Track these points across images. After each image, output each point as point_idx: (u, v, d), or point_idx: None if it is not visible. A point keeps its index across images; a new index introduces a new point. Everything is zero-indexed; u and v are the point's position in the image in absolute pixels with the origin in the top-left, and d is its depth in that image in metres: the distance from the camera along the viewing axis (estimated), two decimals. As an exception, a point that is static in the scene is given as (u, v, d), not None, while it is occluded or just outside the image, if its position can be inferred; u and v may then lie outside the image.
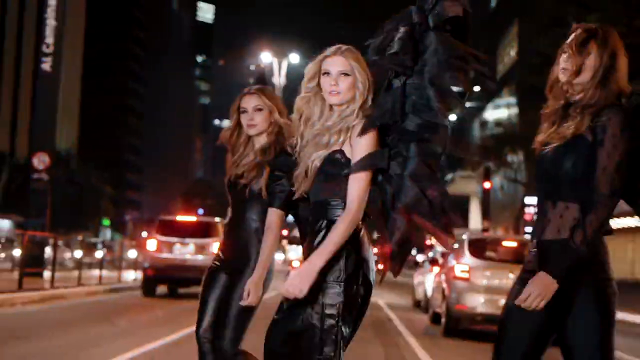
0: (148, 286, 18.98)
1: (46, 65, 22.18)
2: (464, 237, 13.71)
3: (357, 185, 3.32)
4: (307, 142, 3.50)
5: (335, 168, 3.38)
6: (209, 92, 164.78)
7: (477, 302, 12.25)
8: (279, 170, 4.05)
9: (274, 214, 4.05)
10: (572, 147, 3.21)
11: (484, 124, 60.46)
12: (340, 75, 3.41)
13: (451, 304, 12.63)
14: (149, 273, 18.75)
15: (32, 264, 19.06)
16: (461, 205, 65.54)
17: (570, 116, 3.26)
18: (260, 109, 4.36)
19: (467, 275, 12.44)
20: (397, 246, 3.39)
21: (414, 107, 3.35)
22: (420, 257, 25.06)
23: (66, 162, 62.81)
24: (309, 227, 3.48)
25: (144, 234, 56.97)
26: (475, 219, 58.26)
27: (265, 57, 39.58)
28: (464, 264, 12.60)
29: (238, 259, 4.34)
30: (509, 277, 12.29)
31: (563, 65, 3.28)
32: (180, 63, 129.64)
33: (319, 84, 3.48)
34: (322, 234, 3.38)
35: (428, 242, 3.35)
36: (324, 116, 3.49)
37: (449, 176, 66.24)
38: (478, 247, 12.99)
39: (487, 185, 44.73)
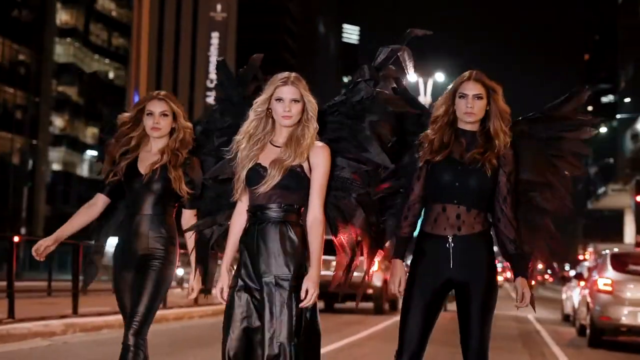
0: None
1: (211, 99, 23.99)
2: (606, 252, 14.36)
3: (321, 200, 3.98)
4: (250, 153, 4.01)
5: (295, 181, 3.95)
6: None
7: (621, 314, 12.80)
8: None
9: (187, 214, 4.60)
10: (479, 169, 4.05)
11: (634, 136, 58.74)
12: (291, 102, 3.98)
13: (595, 316, 13.26)
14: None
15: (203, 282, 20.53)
16: (615, 219, 63.74)
17: (478, 144, 4.08)
18: (166, 115, 4.57)
19: (610, 289, 13.06)
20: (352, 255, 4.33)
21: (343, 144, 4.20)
22: (572, 273, 25.16)
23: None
24: (252, 225, 4.01)
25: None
26: (630, 234, 56.73)
27: (411, 76, 40.27)
28: (606, 278, 13.23)
29: (144, 252, 4.59)
30: (652, 290, 12.84)
31: (466, 109, 4.09)
32: (327, 85, 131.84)
33: (268, 109, 4.01)
34: (285, 235, 3.94)
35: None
36: (267, 133, 4.04)
37: (601, 189, 64.46)
38: (620, 262, 13.59)
39: (639, 199, 43.72)
